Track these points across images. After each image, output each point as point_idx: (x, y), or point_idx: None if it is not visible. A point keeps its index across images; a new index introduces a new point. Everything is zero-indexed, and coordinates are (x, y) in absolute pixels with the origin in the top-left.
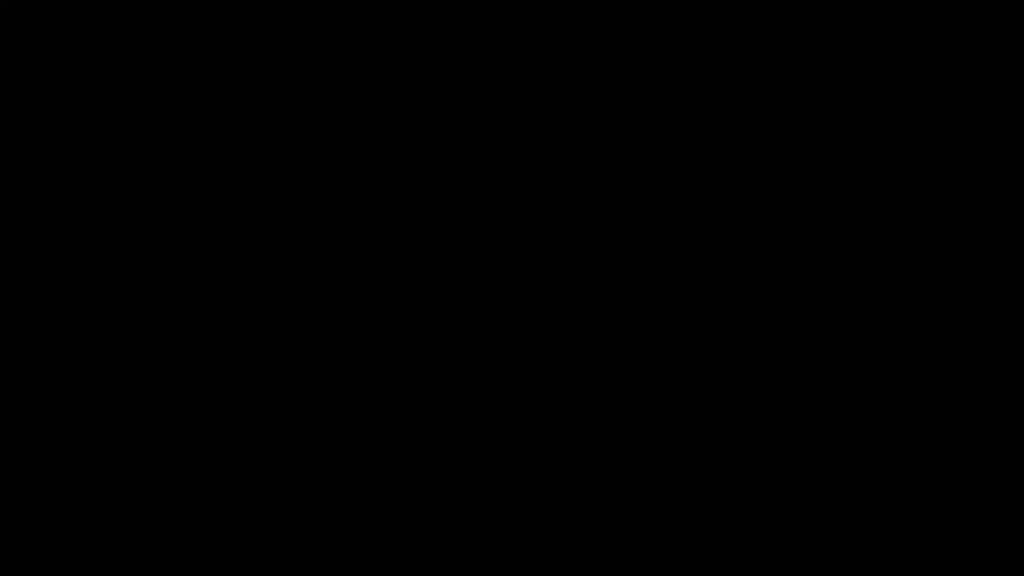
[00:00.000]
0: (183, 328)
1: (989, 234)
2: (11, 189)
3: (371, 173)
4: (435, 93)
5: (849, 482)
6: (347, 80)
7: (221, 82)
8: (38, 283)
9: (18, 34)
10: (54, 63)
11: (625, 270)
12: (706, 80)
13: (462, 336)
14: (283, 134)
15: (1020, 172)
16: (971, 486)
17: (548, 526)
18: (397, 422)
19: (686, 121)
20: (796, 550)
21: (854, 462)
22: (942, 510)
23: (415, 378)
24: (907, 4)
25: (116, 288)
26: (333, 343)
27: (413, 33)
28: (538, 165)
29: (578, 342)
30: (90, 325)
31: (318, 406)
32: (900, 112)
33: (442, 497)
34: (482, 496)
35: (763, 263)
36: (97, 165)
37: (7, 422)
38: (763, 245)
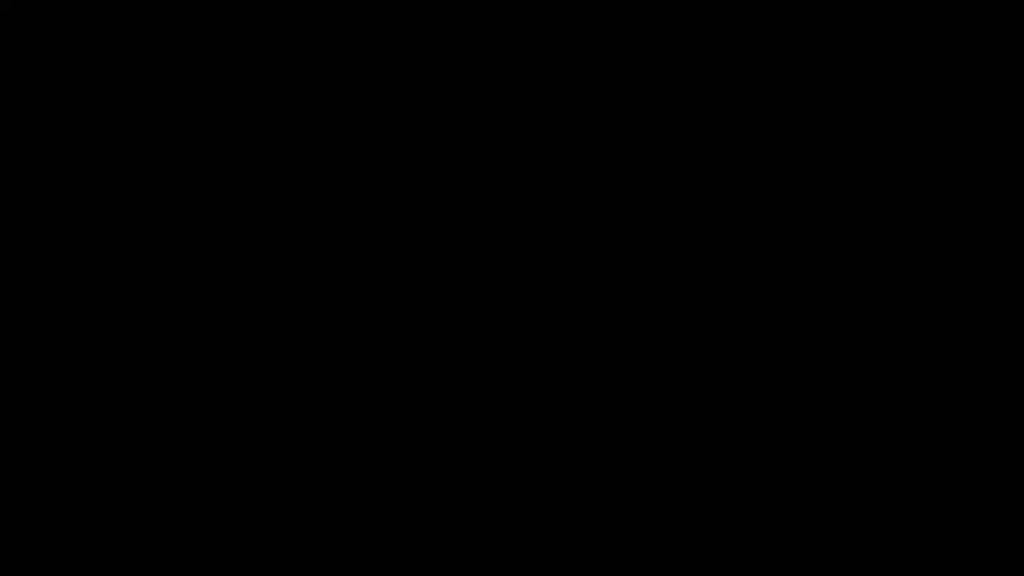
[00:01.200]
0: (183, 328)
1: (989, 234)
2: (11, 189)
3: (371, 173)
4: (435, 93)
5: (849, 482)
6: (347, 80)
7: (221, 82)
8: (38, 283)
9: (18, 34)
10: (54, 63)
11: (625, 270)
12: (706, 80)
13: (462, 336)
14: (283, 134)
15: (1020, 172)
16: (971, 486)
17: (548, 526)
18: (397, 422)
19: (686, 121)
20: (796, 550)
21: (854, 462)
22: (942, 510)
23: (415, 378)
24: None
25: (116, 288)
26: (333, 343)
27: (413, 33)
28: (537, 165)
29: (578, 342)
30: (90, 325)
31: (318, 406)
32: (900, 112)
33: (442, 497)
34: (482, 496)
35: (763, 263)
36: (97, 165)
37: (7, 422)
38: (763, 245)
